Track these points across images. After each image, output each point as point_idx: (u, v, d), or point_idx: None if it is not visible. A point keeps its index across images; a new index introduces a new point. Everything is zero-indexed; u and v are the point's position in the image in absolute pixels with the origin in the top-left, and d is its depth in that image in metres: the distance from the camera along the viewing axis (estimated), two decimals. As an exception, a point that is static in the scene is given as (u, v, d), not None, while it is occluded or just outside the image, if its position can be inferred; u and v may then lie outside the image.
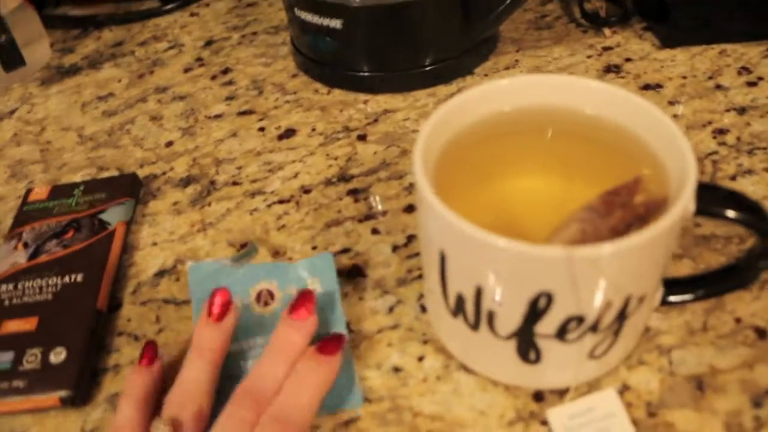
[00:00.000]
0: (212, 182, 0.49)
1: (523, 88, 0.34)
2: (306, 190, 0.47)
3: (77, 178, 0.51)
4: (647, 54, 0.56)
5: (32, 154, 0.54)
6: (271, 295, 0.38)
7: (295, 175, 0.48)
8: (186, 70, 0.62)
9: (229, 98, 0.57)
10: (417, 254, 0.41)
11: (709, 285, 0.34)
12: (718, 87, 0.52)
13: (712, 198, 0.30)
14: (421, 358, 0.36)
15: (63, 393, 0.35)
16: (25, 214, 0.46)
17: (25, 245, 0.43)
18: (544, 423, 0.33)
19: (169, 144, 0.53)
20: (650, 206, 0.29)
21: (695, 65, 0.54)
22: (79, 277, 0.40)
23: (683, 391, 0.34)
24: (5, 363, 0.36)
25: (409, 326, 0.37)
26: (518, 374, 0.33)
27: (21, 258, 0.42)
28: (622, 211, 0.29)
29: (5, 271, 0.41)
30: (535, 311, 0.28)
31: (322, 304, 0.38)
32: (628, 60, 0.56)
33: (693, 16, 0.56)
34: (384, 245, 0.42)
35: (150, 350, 0.34)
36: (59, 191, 0.47)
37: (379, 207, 0.44)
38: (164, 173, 0.50)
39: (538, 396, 0.34)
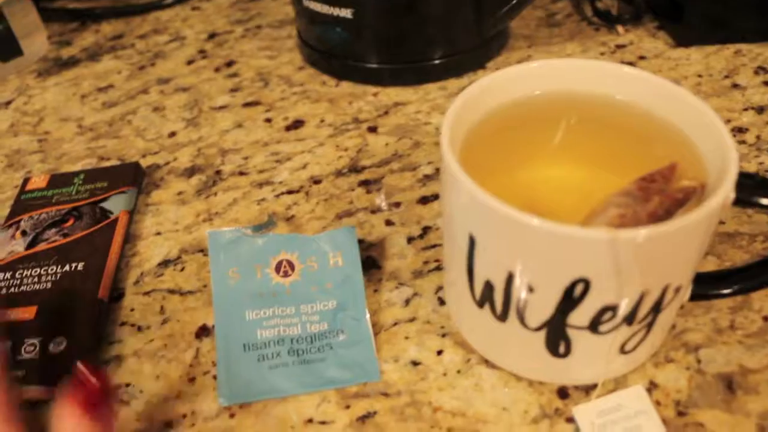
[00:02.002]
0: (218, 172, 0.47)
1: (554, 72, 0.33)
2: (316, 181, 0.45)
3: (77, 168, 0.49)
4: (661, 52, 0.55)
5: (30, 144, 0.52)
6: (291, 265, 0.37)
7: (304, 166, 0.47)
8: (189, 63, 0.60)
9: (234, 90, 0.56)
10: (433, 246, 0.40)
11: (743, 280, 0.33)
12: (735, 86, 0.51)
13: (747, 186, 0.29)
14: (440, 352, 0.34)
15: (63, 384, 0.33)
16: (23, 202, 0.44)
17: (23, 234, 0.41)
18: (570, 420, 0.31)
19: (173, 134, 0.51)
20: (689, 192, 0.28)
21: (710, 64, 0.53)
22: (80, 266, 0.38)
23: (713, 390, 0.32)
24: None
25: (426, 319, 0.36)
26: (544, 369, 0.32)
27: (19, 246, 0.40)
28: (660, 197, 0.28)
29: (2, 260, 0.39)
30: (570, 300, 0.27)
31: (344, 279, 0.37)
32: (641, 58, 0.55)
33: (706, 15, 0.55)
34: (398, 237, 0.41)
35: None
36: (59, 180, 0.45)
37: (384, 205, 0.43)
38: (168, 163, 0.48)
39: (563, 392, 0.32)
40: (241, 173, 0.47)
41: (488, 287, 0.29)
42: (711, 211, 0.26)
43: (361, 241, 0.40)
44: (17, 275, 0.38)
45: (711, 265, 0.38)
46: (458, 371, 0.33)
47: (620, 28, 0.58)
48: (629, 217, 0.27)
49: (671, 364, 0.33)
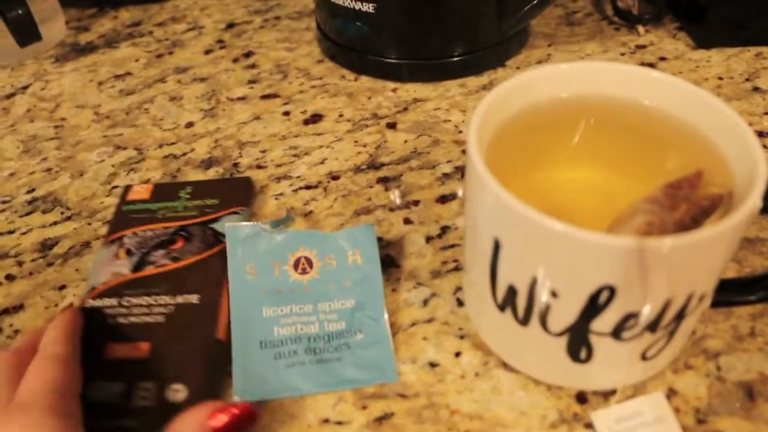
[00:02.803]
0: (235, 165, 0.47)
1: (583, 75, 0.32)
2: (334, 177, 0.45)
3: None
4: (682, 54, 0.55)
5: (46, 131, 0.52)
6: (309, 263, 0.37)
7: (323, 161, 0.46)
8: (207, 52, 0.60)
9: (252, 81, 0.55)
10: (452, 246, 0.40)
11: (767, 288, 0.33)
12: (756, 89, 0.50)
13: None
14: (458, 354, 0.34)
15: None
16: (125, 214, 0.40)
17: (128, 253, 0.37)
18: (589, 426, 0.31)
19: (190, 125, 0.51)
20: (715, 200, 0.28)
21: (731, 67, 0.53)
22: (194, 299, 0.35)
23: (733, 398, 0.32)
24: (114, 395, 0.31)
25: (444, 320, 0.36)
26: (564, 374, 0.32)
27: (124, 268, 0.36)
28: (687, 204, 0.28)
29: (107, 282, 0.36)
30: (594, 306, 0.27)
31: (363, 277, 0.36)
32: (662, 59, 0.54)
33: (728, 17, 0.55)
34: (417, 235, 0.40)
35: None
36: (163, 191, 0.41)
37: (398, 202, 0.43)
38: (185, 154, 0.48)
39: (581, 397, 0.32)
40: (259, 167, 0.46)
41: (511, 291, 0.29)
42: (739, 221, 0.25)
43: (379, 239, 0.40)
44: (124, 302, 0.34)
45: (731, 272, 0.38)
46: (476, 374, 0.33)
47: (641, 28, 0.57)
48: (656, 225, 0.27)
49: (691, 371, 0.33)
